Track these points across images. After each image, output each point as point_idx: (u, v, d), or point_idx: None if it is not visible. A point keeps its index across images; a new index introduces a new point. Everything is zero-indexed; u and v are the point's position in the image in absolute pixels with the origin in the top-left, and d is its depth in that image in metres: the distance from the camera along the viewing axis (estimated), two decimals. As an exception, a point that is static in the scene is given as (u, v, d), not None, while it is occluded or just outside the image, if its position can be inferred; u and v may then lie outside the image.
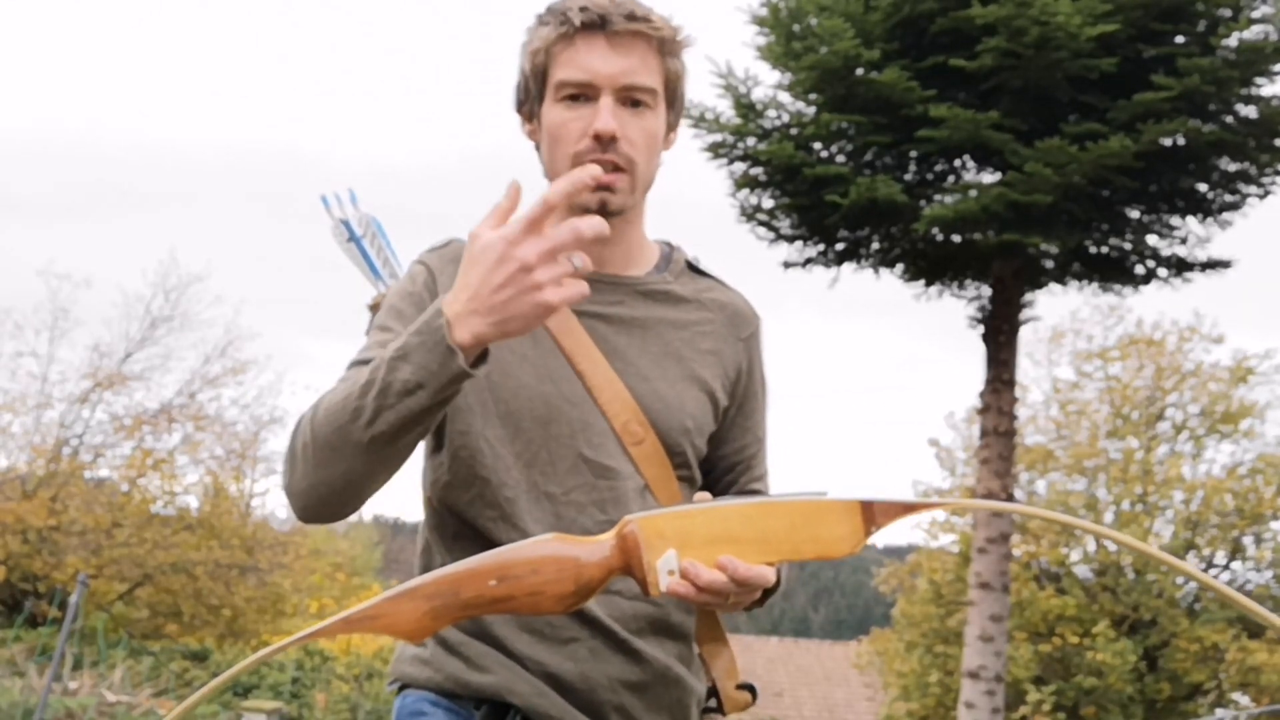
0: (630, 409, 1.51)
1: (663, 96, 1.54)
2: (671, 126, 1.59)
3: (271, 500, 27.71)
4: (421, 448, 1.60)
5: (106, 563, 14.92)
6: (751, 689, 1.65)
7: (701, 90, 8.13)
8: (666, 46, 1.53)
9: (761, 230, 8.69)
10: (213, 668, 14.05)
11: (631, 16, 1.49)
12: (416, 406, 1.28)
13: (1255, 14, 7.50)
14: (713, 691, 1.62)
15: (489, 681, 1.47)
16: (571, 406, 1.51)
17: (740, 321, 1.64)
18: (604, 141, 1.48)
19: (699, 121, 8.19)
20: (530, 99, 1.56)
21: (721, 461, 1.64)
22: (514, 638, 1.47)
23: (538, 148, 1.58)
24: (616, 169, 1.49)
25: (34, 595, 14.74)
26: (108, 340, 16.69)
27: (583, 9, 1.48)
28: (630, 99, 1.50)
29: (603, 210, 1.50)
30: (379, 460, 1.34)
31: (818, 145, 8.13)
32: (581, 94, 1.50)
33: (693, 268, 1.65)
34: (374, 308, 1.91)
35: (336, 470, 1.35)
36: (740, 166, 8.42)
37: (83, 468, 16.09)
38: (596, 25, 1.49)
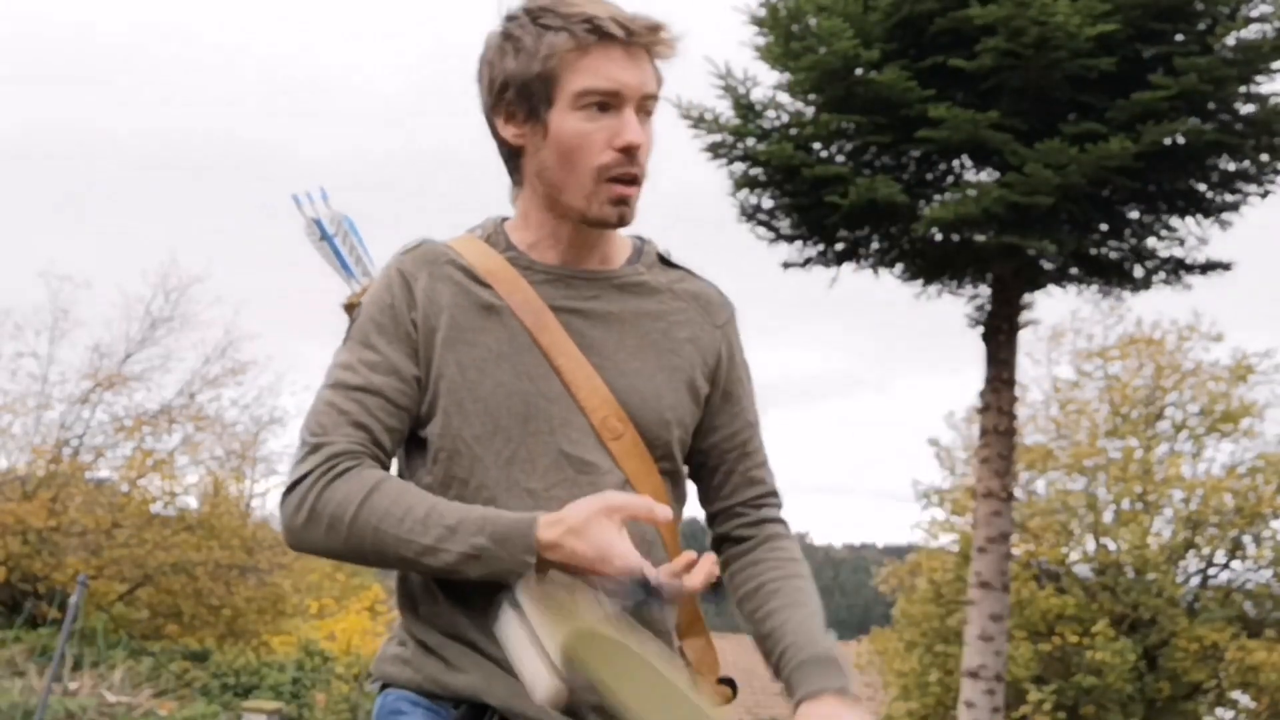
0: (608, 403, 1.52)
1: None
2: None
3: (271, 500, 27.70)
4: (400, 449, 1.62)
5: (106, 563, 14.93)
6: (732, 683, 1.65)
7: (701, 90, 8.13)
8: (662, 53, 1.54)
9: (761, 230, 8.68)
10: (213, 668, 14.05)
11: (653, 29, 1.49)
12: (464, 569, 1.43)
13: (1254, 12, 7.50)
14: None
15: (466, 682, 1.48)
16: (549, 403, 1.51)
17: (714, 309, 1.64)
18: (631, 154, 1.49)
19: (699, 122, 8.18)
20: (530, 101, 1.51)
21: (715, 450, 1.64)
22: (485, 642, 1.46)
23: (519, 150, 1.55)
24: (634, 181, 1.51)
25: (34, 596, 14.75)
26: (108, 341, 16.69)
27: (610, 18, 1.47)
28: (644, 109, 1.51)
29: (620, 223, 1.53)
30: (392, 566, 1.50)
31: (817, 145, 8.11)
32: (606, 103, 1.49)
33: (664, 260, 1.65)
34: (349, 308, 1.91)
35: (351, 550, 1.48)
36: (740, 167, 8.41)
37: (83, 468, 16.10)
38: (620, 37, 1.47)
